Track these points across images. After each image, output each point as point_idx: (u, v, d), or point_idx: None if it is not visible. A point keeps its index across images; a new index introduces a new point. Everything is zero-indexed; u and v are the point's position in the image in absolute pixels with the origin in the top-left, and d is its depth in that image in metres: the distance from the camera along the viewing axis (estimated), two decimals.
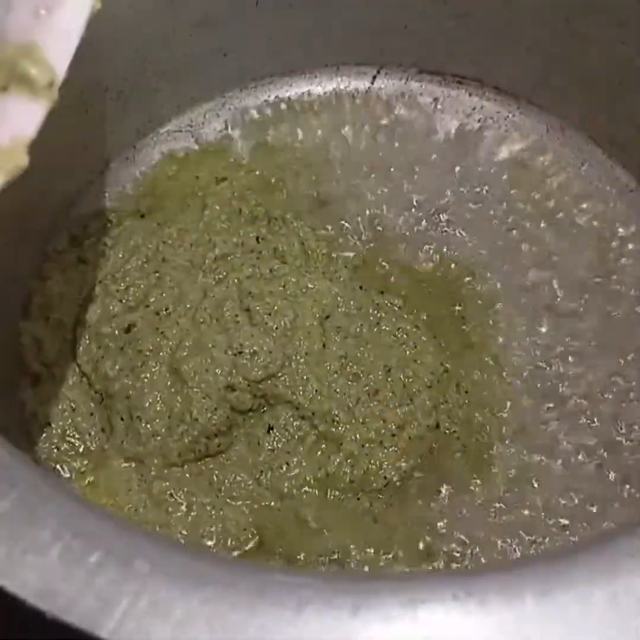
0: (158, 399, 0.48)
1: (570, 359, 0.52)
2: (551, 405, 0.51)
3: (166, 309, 0.51)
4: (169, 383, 0.48)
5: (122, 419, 0.48)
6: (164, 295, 0.51)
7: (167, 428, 0.48)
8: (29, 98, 0.35)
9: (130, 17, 0.53)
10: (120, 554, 0.27)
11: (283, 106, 0.61)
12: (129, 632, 0.26)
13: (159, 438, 0.48)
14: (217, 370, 0.48)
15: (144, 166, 0.59)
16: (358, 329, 0.51)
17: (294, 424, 0.49)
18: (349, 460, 0.48)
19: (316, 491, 0.48)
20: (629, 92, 0.54)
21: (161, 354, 0.49)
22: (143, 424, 0.48)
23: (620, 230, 0.56)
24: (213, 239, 0.53)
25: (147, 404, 0.48)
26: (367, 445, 0.48)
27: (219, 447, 0.48)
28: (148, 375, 0.48)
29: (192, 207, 0.55)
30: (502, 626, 0.25)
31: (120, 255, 0.53)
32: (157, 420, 0.48)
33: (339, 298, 0.52)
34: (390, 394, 0.49)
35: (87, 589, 0.26)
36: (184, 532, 0.47)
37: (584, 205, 0.57)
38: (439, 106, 0.60)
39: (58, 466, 0.49)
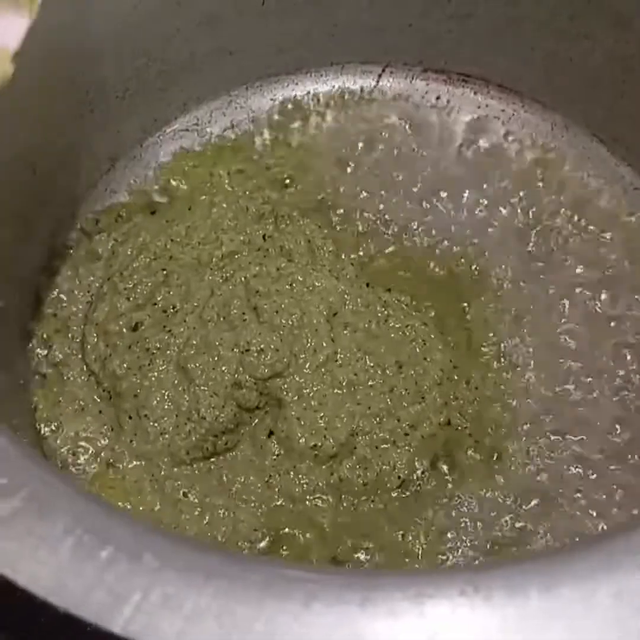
0: (165, 397, 0.48)
1: (578, 353, 0.52)
2: (564, 398, 0.51)
3: (173, 307, 0.51)
4: (176, 381, 0.49)
5: (130, 418, 0.49)
6: (171, 293, 0.51)
7: (174, 426, 0.48)
8: (13, 12, 0.36)
9: (135, 17, 0.53)
10: (131, 549, 0.28)
11: (289, 105, 0.61)
12: (140, 626, 0.26)
13: (166, 436, 0.48)
14: (224, 368, 0.48)
15: (151, 164, 0.59)
16: (366, 326, 0.51)
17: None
18: (361, 464, 0.48)
19: (329, 497, 0.48)
20: (633, 90, 0.54)
21: (168, 352, 0.49)
22: (151, 423, 0.48)
23: (624, 228, 0.56)
24: (220, 237, 0.54)
25: (155, 402, 0.48)
26: (381, 446, 0.48)
27: (226, 445, 0.49)
28: (155, 373, 0.49)
29: (201, 205, 0.55)
30: (507, 622, 0.25)
31: (129, 253, 0.53)
32: (165, 419, 0.48)
33: (345, 296, 0.52)
34: (403, 391, 0.49)
35: (98, 583, 0.27)
36: (197, 533, 0.47)
37: (588, 203, 0.57)
38: (444, 104, 0.61)
39: (72, 469, 0.49)
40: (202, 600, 0.26)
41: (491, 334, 0.53)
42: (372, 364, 0.50)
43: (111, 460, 0.49)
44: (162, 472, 0.48)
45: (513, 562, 0.26)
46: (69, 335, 0.52)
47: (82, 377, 0.51)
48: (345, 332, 0.50)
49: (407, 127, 0.60)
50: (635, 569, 0.26)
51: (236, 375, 0.48)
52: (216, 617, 0.26)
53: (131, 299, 0.52)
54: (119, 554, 0.27)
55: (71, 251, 0.55)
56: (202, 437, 0.48)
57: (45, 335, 0.52)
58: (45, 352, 0.52)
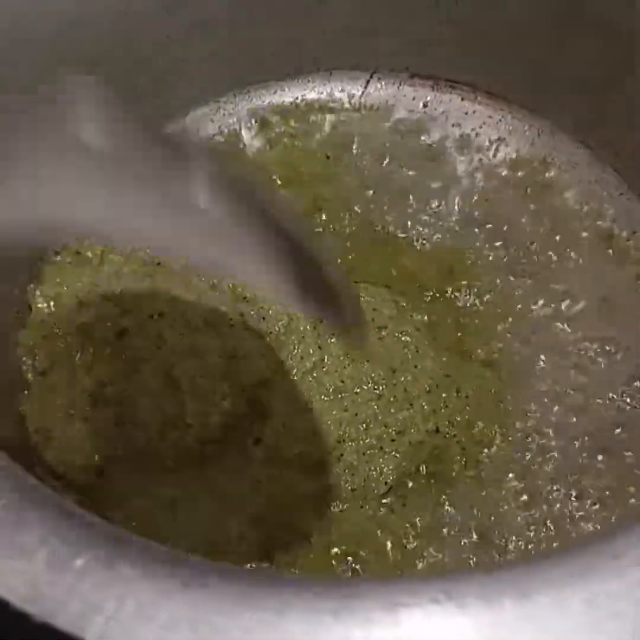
0: (151, 404, 0.48)
1: (572, 360, 0.52)
2: (554, 408, 0.51)
3: (160, 314, 0.51)
4: (162, 388, 0.49)
5: (116, 425, 0.49)
6: (158, 299, 0.51)
7: (160, 434, 0.48)
8: None
9: (125, 23, 0.53)
10: (106, 558, 0.27)
11: (276, 111, 0.61)
12: (115, 636, 0.26)
13: (153, 444, 0.48)
14: (210, 375, 0.48)
15: None
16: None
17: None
18: (348, 470, 0.48)
19: (318, 503, 0.48)
20: (620, 96, 0.54)
21: (155, 359, 0.49)
22: (137, 430, 0.48)
23: (610, 234, 0.56)
24: None
25: (141, 409, 0.48)
26: (368, 452, 0.48)
27: (213, 452, 0.49)
28: (141, 380, 0.49)
29: None
30: (481, 630, 0.25)
31: (117, 259, 0.53)
32: (151, 426, 0.48)
33: None
34: (391, 398, 0.49)
35: (73, 593, 0.27)
36: (189, 541, 0.47)
37: (575, 209, 0.57)
38: (431, 110, 0.61)
39: (61, 478, 0.49)
40: (177, 609, 0.26)
41: (484, 341, 0.53)
42: (359, 371, 0.50)
43: (100, 468, 0.49)
44: (150, 480, 0.48)
45: (487, 569, 0.26)
46: (56, 342, 0.52)
47: (69, 385, 0.51)
48: (332, 339, 0.50)
49: (395, 133, 0.60)
50: (609, 575, 0.26)
51: (223, 382, 0.48)
52: (191, 626, 0.26)
53: (118, 305, 0.52)
54: (93, 563, 0.27)
55: (59, 257, 0.55)
56: (189, 444, 0.48)
57: (31, 342, 0.52)
58: (31, 361, 0.51)
